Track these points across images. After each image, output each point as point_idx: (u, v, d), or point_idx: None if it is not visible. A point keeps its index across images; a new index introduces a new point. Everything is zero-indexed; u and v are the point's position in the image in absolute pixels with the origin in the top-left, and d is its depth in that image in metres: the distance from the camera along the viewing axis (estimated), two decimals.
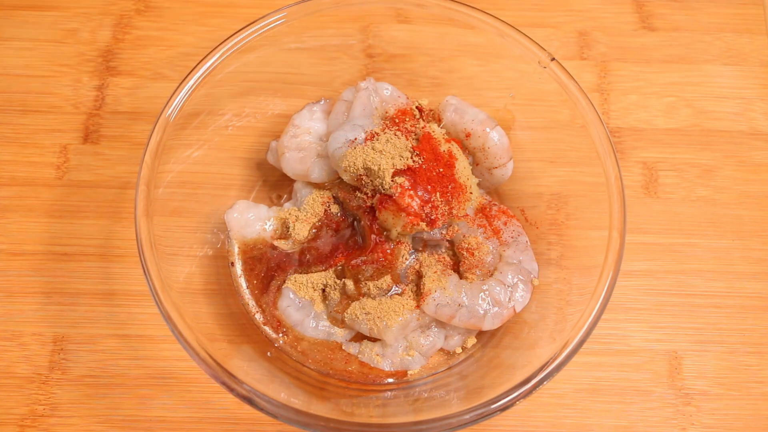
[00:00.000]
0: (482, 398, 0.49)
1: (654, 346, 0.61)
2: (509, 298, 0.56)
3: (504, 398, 0.48)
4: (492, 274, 0.57)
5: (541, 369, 0.49)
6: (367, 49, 0.67)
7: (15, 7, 0.71)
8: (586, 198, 0.58)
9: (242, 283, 0.59)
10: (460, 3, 0.59)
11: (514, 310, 0.56)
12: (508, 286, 0.56)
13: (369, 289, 0.56)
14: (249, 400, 0.48)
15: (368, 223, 0.56)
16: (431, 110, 0.61)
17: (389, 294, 0.57)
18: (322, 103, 0.62)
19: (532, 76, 0.58)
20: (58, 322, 0.60)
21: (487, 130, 0.59)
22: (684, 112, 0.68)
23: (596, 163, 0.56)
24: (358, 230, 0.58)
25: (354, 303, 0.57)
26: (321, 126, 0.61)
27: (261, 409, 0.48)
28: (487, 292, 0.56)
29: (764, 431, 0.58)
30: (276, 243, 0.59)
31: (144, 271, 0.51)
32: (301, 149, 0.59)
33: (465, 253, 0.58)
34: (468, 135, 0.59)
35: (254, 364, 0.54)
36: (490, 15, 0.59)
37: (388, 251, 0.57)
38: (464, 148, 0.60)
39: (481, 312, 0.55)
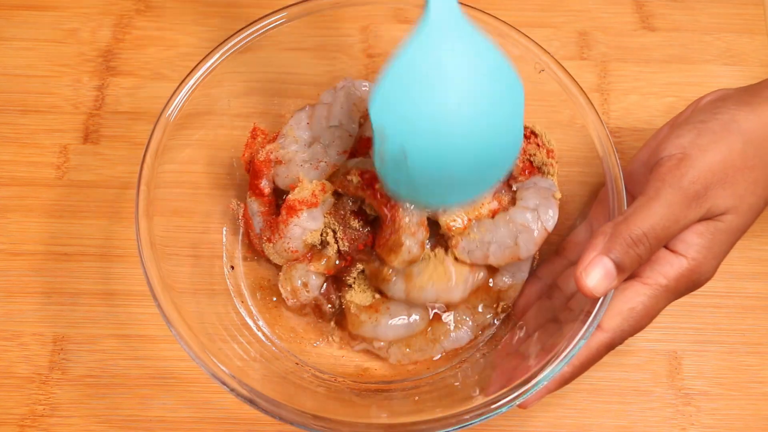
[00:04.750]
0: (482, 398, 0.49)
1: (654, 346, 0.61)
2: (537, 218, 0.55)
3: (504, 398, 0.48)
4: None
5: (541, 369, 0.49)
6: (367, 49, 0.67)
7: (15, 7, 0.71)
8: (586, 198, 0.58)
9: (243, 286, 0.59)
10: (460, 3, 0.59)
11: (546, 230, 0.55)
12: (532, 209, 0.56)
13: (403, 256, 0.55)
14: (249, 401, 0.48)
15: (373, 195, 0.55)
16: None
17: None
18: (306, 109, 0.61)
19: (532, 76, 0.58)
20: (58, 322, 0.60)
21: None
22: None
23: (596, 163, 0.56)
24: (368, 211, 0.57)
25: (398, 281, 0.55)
26: (306, 133, 0.60)
27: (261, 410, 0.48)
28: (511, 223, 0.55)
29: (764, 431, 0.58)
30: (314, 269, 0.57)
31: (144, 271, 0.51)
32: (286, 161, 0.59)
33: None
34: None
35: (254, 364, 0.54)
36: (490, 15, 0.59)
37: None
38: None
39: (511, 242, 0.55)
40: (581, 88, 0.57)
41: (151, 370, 0.59)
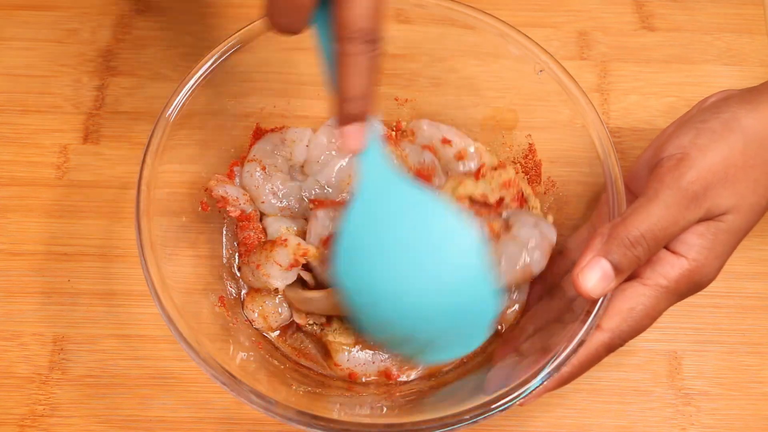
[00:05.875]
0: (482, 398, 0.49)
1: (654, 346, 0.61)
2: (540, 232, 0.56)
3: (504, 398, 0.48)
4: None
5: (541, 369, 0.49)
6: None
7: (15, 7, 0.71)
8: (586, 198, 0.58)
9: (242, 286, 0.59)
10: (460, 3, 0.59)
11: (550, 243, 0.56)
12: (533, 225, 0.56)
13: None
14: (249, 401, 0.48)
15: None
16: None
17: None
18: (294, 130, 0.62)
19: (532, 76, 0.58)
20: (58, 322, 0.60)
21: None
22: (684, 112, 0.68)
23: (596, 163, 0.56)
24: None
25: None
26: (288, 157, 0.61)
27: (261, 410, 0.48)
28: (516, 239, 0.55)
29: (764, 431, 0.58)
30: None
31: (144, 271, 0.51)
32: (276, 193, 0.59)
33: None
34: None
35: (254, 364, 0.54)
36: (490, 15, 0.59)
37: None
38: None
39: (521, 257, 0.55)
40: (581, 88, 0.57)
41: (151, 370, 0.59)
